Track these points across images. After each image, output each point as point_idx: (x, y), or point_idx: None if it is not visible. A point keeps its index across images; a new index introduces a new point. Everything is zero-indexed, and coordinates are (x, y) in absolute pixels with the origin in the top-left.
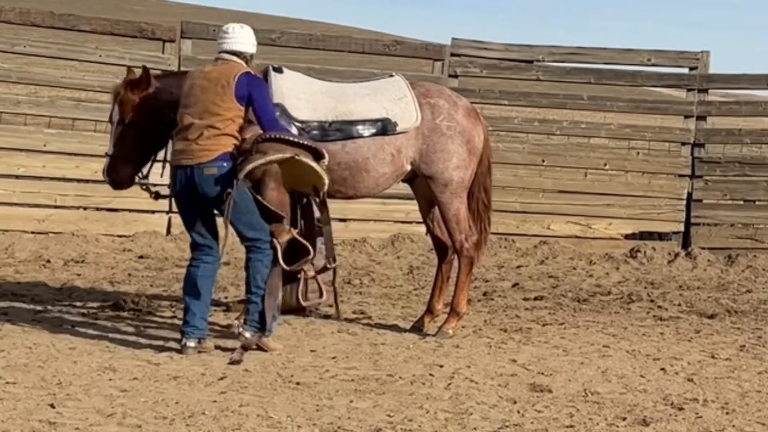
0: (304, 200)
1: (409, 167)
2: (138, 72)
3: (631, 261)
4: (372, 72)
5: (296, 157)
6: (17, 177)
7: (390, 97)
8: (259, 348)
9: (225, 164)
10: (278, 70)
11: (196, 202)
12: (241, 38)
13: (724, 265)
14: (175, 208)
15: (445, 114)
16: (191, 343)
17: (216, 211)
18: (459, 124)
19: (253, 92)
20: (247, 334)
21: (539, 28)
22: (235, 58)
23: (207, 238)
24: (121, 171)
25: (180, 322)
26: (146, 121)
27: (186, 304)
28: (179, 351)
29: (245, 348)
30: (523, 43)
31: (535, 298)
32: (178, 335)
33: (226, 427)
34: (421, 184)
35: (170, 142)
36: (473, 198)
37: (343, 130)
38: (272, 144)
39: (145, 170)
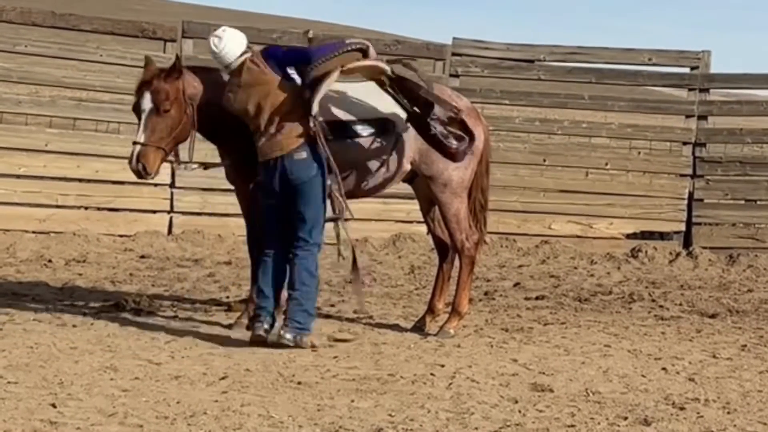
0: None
1: (409, 167)
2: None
3: (632, 260)
4: None
5: (346, 67)
6: (18, 177)
7: (390, 97)
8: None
9: (309, 148)
10: None
11: (288, 192)
12: (229, 49)
13: (726, 265)
14: (176, 207)
15: None
16: (305, 339)
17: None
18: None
19: (276, 56)
20: (289, 336)
21: (540, 28)
22: (238, 61)
23: (301, 230)
24: (151, 159)
25: (179, 322)
26: (178, 112)
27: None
28: (288, 346)
29: (302, 347)
30: (524, 43)
31: (537, 298)
32: (178, 335)
33: (228, 427)
34: (422, 183)
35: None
36: (470, 198)
37: (343, 129)
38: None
39: (172, 157)
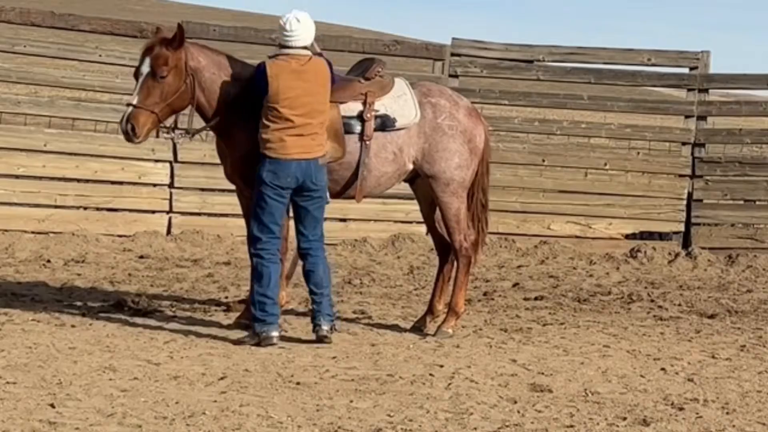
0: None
1: (411, 166)
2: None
3: (631, 261)
4: None
5: None
6: (17, 177)
7: (389, 95)
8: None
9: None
10: None
11: (298, 194)
12: (306, 32)
13: (725, 265)
14: (175, 207)
15: (447, 113)
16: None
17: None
18: (461, 124)
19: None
20: (326, 327)
21: (539, 28)
22: (308, 52)
23: (317, 228)
24: (141, 121)
25: (178, 323)
26: (176, 80)
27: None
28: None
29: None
30: (523, 43)
31: (536, 298)
32: (177, 335)
33: (227, 427)
34: (422, 184)
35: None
36: (472, 199)
37: (346, 127)
38: None
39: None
